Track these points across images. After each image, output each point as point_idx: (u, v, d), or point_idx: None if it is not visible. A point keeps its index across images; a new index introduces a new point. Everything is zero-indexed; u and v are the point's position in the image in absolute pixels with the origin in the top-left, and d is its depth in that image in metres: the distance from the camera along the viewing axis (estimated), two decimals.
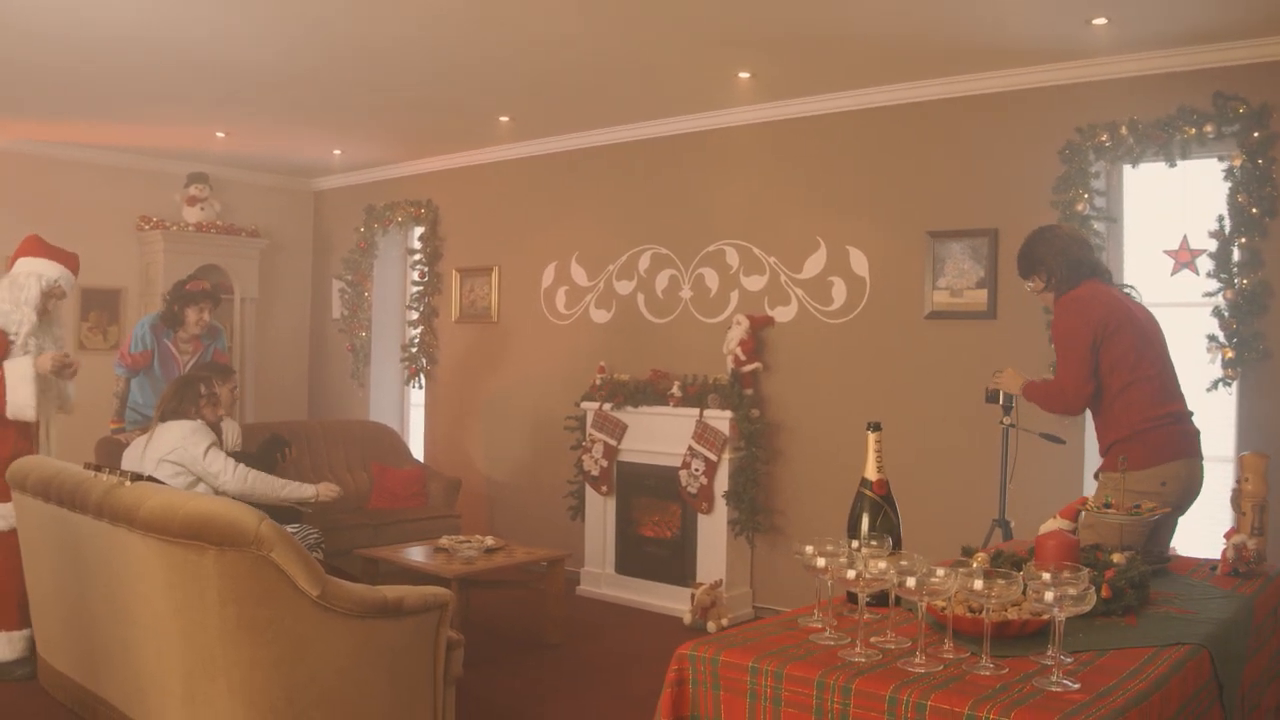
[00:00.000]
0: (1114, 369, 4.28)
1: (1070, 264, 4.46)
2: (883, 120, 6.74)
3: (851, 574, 2.37)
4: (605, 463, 7.58)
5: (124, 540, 3.91)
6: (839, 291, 6.91)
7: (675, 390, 7.24)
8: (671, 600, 7.21)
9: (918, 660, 2.22)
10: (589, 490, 7.75)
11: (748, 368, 7.11)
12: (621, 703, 5.39)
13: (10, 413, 5.39)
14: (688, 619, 6.85)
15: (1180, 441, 4.24)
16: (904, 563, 2.29)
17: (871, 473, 2.81)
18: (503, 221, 8.83)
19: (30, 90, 7.07)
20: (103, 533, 4.06)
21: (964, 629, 2.38)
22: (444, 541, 6.41)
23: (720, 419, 7.03)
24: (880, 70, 6.36)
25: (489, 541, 6.41)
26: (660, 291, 7.75)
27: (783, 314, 7.15)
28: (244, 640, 3.55)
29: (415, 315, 9.43)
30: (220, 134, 8.38)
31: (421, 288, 9.36)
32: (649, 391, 7.43)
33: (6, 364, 5.41)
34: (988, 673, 2.17)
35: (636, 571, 7.51)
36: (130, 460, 5.68)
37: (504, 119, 7.77)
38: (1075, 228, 4.96)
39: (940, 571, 2.25)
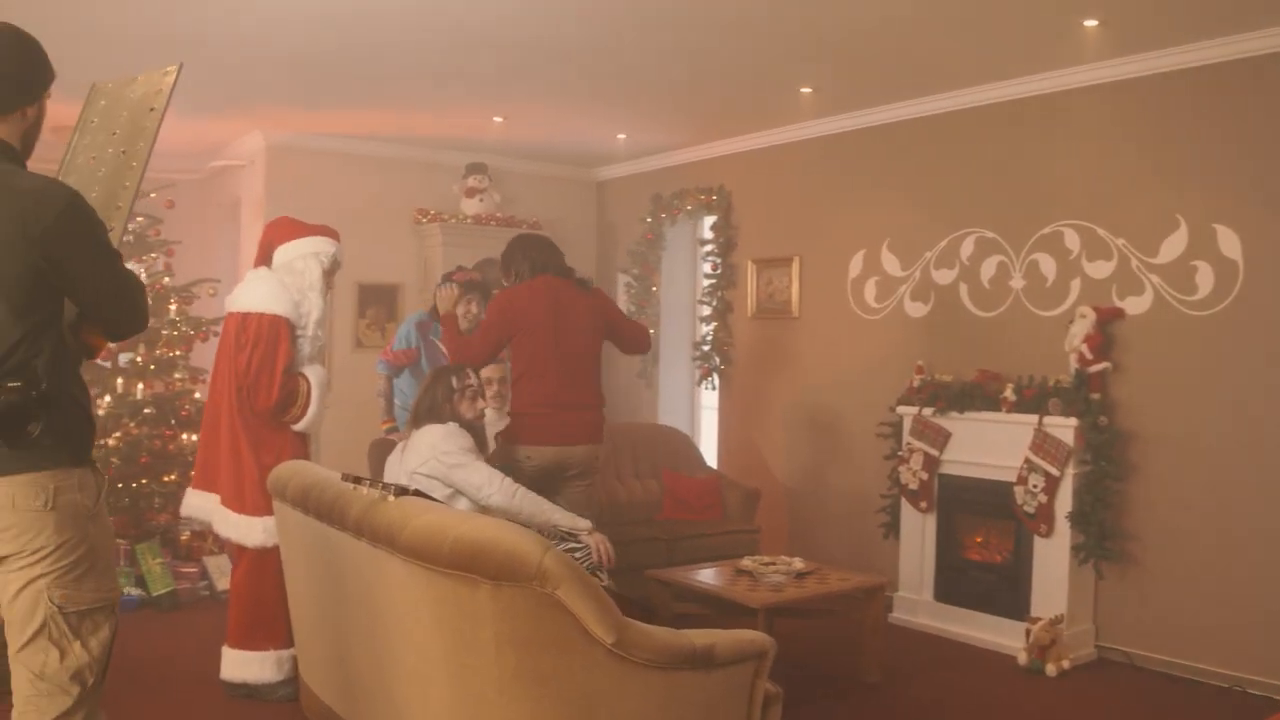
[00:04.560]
0: (516, 358, 5.64)
1: (529, 265, 5.76)
2: (1263, 71, 5.71)
3: None
4: (925, 475, 6.81)
5: (386, 565, 3.41)
6: (1204, 278, 5.96)
7: (1008, 394, 6.40)
8: (1000, 635, 6.38)
9: None
10: (905, 506, 7.00)
11: (1094, 368, 6.18)
12: None
13: (304, 425, 5.15)
14: (1023, 659, 6.01)
15: (555, 430, 5.52)
16: None
17: None
18: (803, 207, 8.23)
19: (304, 79, 6.95)
20: (363, 554, 3.57)
21: None
22: (747, 563, 5.76)
23: (1063, 427, 6.15)
24: (1261, 9, 5.32)
25: (798, 564, 5.71)
26: (987, 281, 6.92)
27: (1134, 305, 6.23)
28: (523, 693, 3.04)
29: (707, 310, 9.00)
30: (498, 119, 8.09)
31: (714, 281, 8.92)
32: (977, 395, 6.62)
33: (310, 373, 5.15)
34: None
35: (960, 600, 6.69)
36: (390, 470, 5.17)
37: (806, 90, 7.12)
38: (542, 235, 6.19)
39: None
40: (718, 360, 8.89)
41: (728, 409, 8.93)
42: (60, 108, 3.32)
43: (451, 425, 4.94)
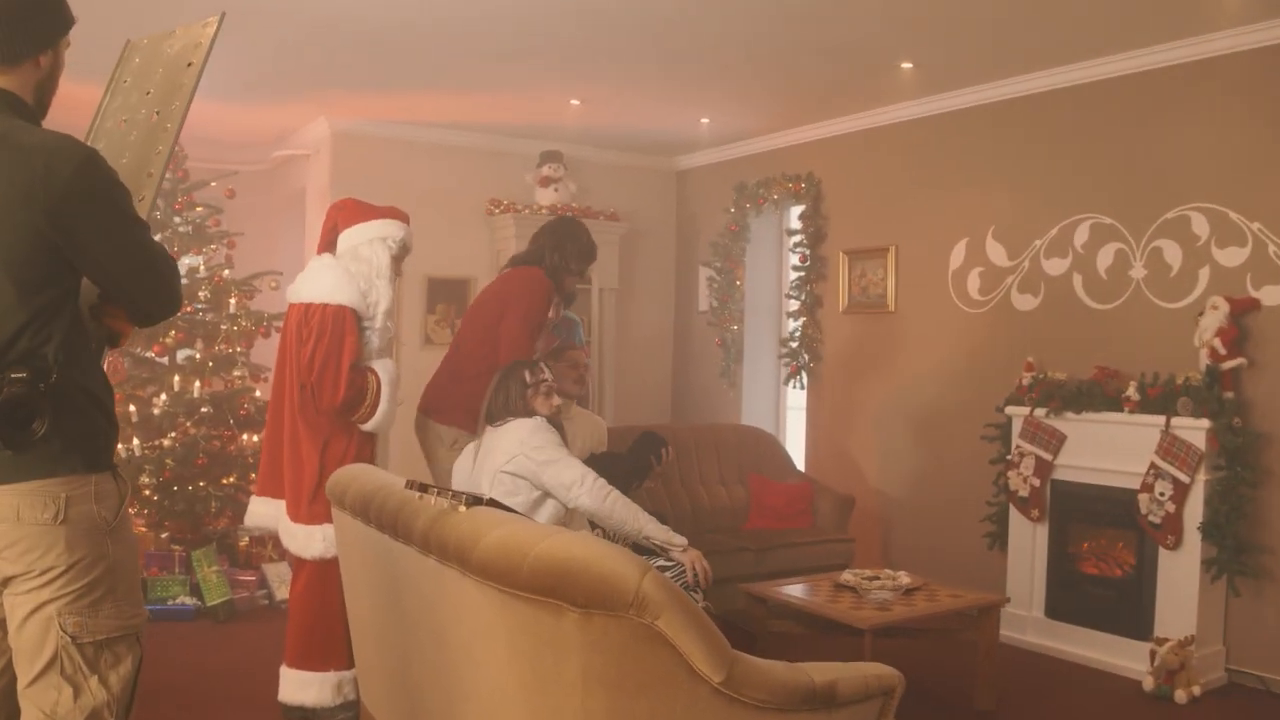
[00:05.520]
0: None
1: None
2: None
3: None
4: (1037, 481, 6.33)
5: (456, 585, 2.98)
6: None
7: (1131, 393, 5.91)
8: (1119, 656, 5.92)
9: None
10: (1014, 514, 6.54)
11: (1228, 364, 5.68)
12: None
13: (374, 425, 4.74)
14: (1148, 684, 5.52)
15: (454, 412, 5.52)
16: None
17: None
18: (900, 194, 7.78)
19: (371, 59, 6.64)
20: (430, 571, 3.14)
21: None
22: (847, 578, 5.30)
23: (1194, 429, 5.65)
24: None
25: (904, 579, 5.24)
26: (1103, 270, 6.44)
27: (1272, 295, 5.72)
28: None
29: (795, 305, 8.59)
30: (575, 102, 7.72)
31: (802, 274, 8.51)
32: (1095, 394, 6.14)
33: (379, 368, 4.75)
34: None
35: (1074, 618, 6.22)
36: (460, 475, 4.76)
37: (906, 66, 6.66)
38: (563, 220, 6.31)
39: None
40: (806, 358, 8.48)
41: (817, 410, 8.51)
42: (98, 92, 2.97)
43: (538, 419, 4.56)
